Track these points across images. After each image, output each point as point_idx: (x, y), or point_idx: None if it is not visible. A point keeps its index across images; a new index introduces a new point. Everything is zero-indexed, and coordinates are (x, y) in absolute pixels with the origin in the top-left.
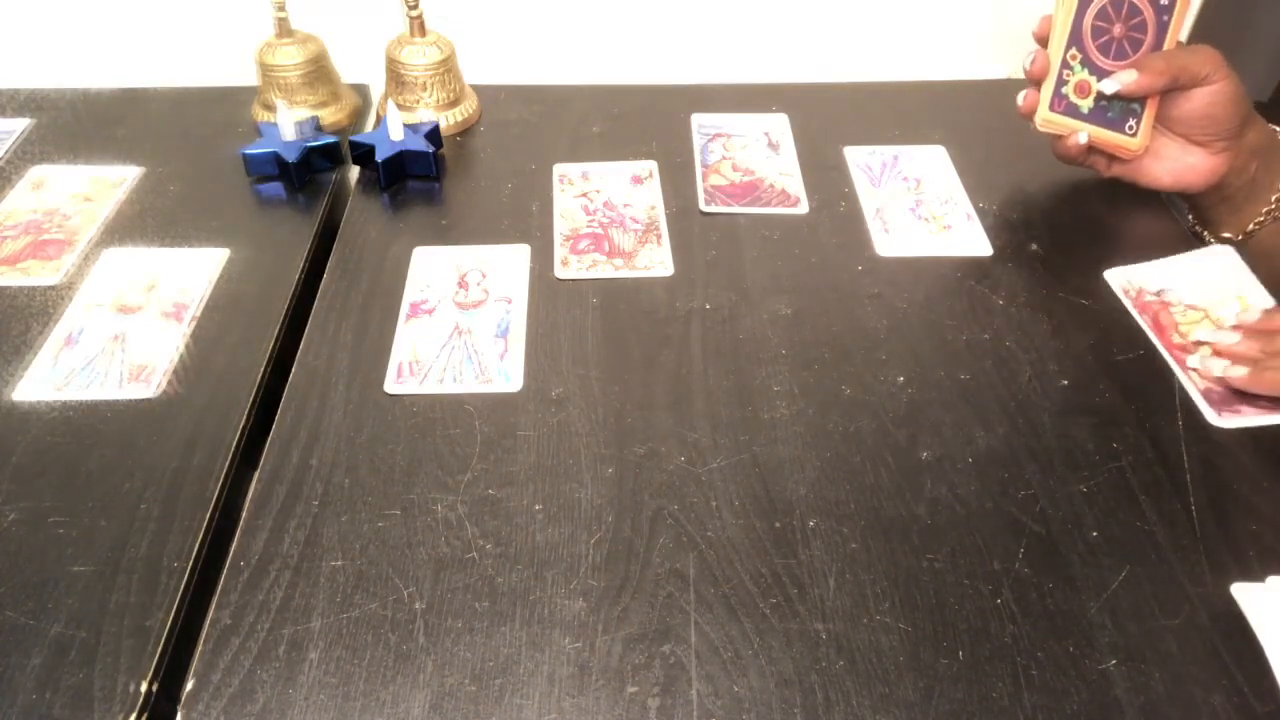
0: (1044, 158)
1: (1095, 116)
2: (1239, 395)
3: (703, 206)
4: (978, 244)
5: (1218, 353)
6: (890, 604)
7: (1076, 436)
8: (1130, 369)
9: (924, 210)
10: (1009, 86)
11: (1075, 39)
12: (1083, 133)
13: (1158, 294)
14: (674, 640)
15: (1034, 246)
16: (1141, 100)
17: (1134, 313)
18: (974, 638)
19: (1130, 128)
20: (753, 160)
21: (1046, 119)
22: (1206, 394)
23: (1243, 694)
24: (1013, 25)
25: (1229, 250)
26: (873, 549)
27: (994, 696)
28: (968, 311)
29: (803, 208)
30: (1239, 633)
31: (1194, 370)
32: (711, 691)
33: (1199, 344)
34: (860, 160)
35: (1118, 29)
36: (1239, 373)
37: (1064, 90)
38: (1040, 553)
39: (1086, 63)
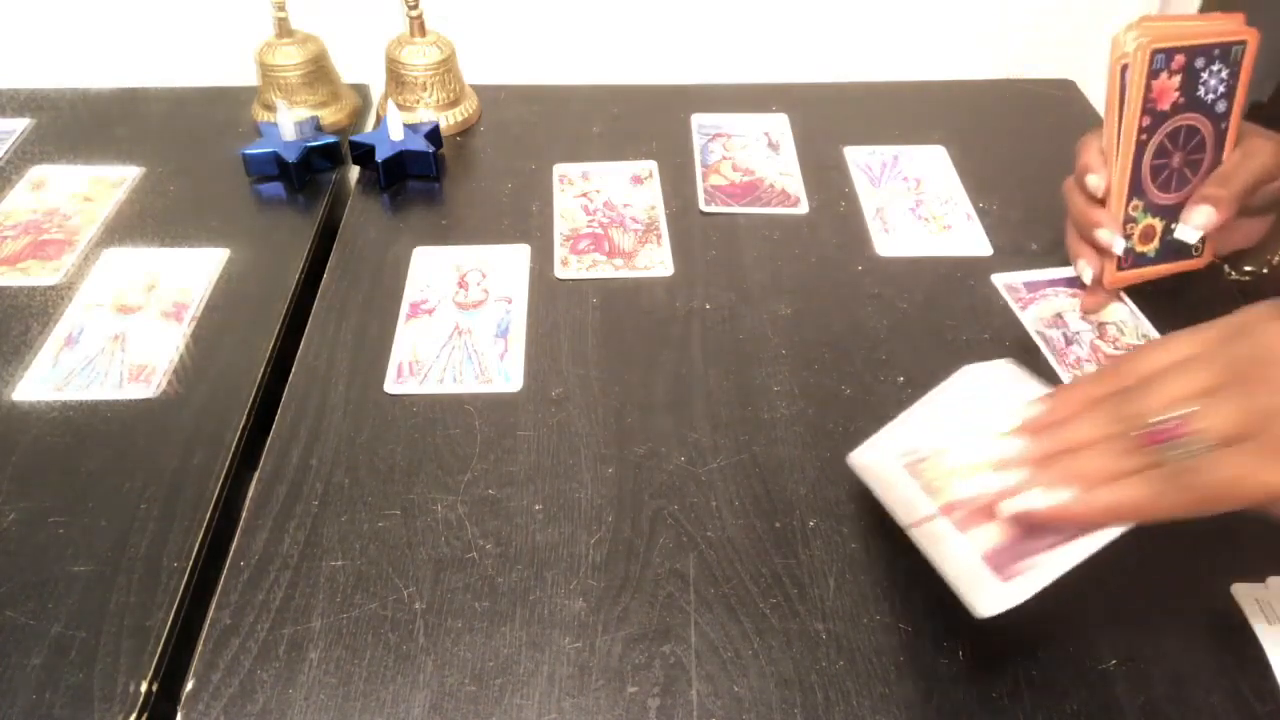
0: (1043, 158)
1: (1162, 256)
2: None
3: (703, 206)
4: (978, 244)
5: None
6: (890, 604)
7: None
8: None
9: (924, 210)
10: (1009, 86)
11: (1135, 189)
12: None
13: (918, 451)
14: (674, 640)
15: (1034, 246)
16: None
17: (903, 480)
18: (974, 638)
19: (1196, 250)
20: (753, 160)
21: (1116, 279)
22: (991, 560)
23: (1243, 694)
24: (1013, 25)
25: (1002, 364)
26: (872, 549)
27: (994, 696)
28: (968, 311)
29: (803, 208)
30: (1239, 633)
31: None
32: (711, 691)
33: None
34: (860, 160)
35: (1177, 159)
36: (1059, 497)
37: (1129, 245)
38: None
39: (1149, 208)
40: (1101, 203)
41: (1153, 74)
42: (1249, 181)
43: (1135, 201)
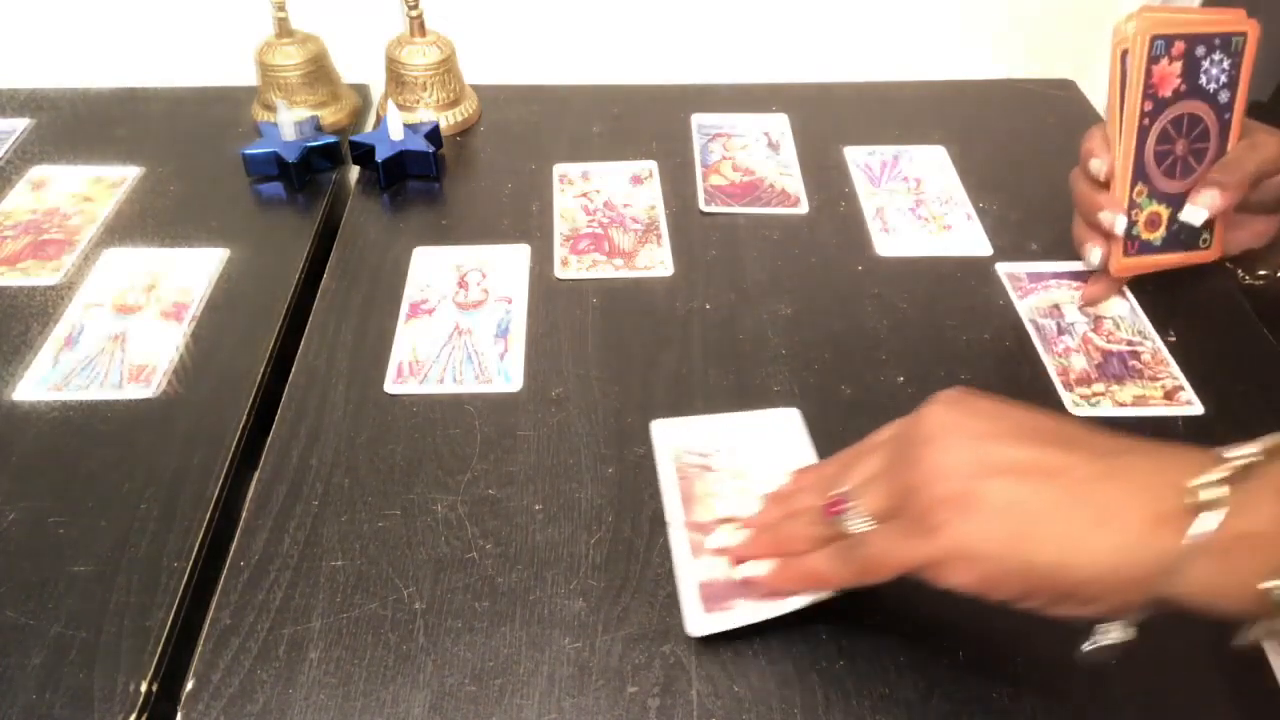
0: (1044, 158)
1: (1169, 245)
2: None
3: (703, 206)
4: (978, 244)
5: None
6: (890, 604)
7: None
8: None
9: (924, 210)
10: (1009, 86)
11: (1139, 173)
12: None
13: (703, 456)
14: (674, 640)
15: (1034, 246)
16: None
17: (672, 477)
18: (974, 638)
19: (1204, 241)
20: (753, 160)
21: (1123, 266)
22: (704, 589)
23: (1243, 694)
24: (1013, 25)
25: (794, 413)
26: None
27: (994, 696)
28: (968, 311)
29: (803, 208)
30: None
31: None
32: (711, 691)
33: (723, 522)
34: (860, 160)
35: (1180, 146)
36: (765, 569)
37: (1134, 231)
38: None
39: (1154, 194)
40: (1106, 187)
41: (1153, 59)
42: (1254, 170)
43: (1140, 186)
